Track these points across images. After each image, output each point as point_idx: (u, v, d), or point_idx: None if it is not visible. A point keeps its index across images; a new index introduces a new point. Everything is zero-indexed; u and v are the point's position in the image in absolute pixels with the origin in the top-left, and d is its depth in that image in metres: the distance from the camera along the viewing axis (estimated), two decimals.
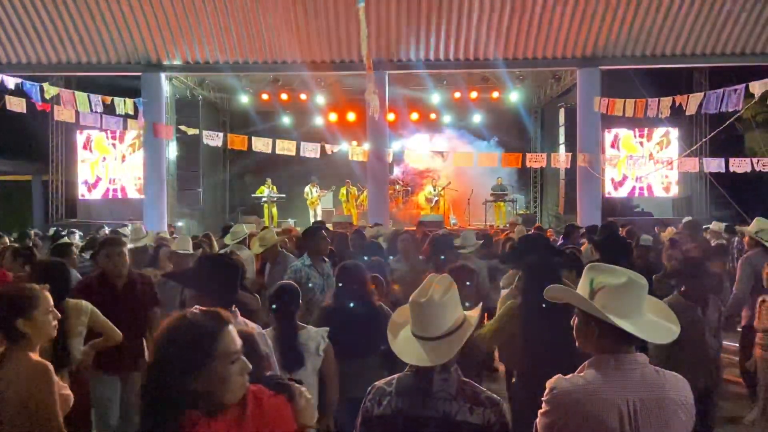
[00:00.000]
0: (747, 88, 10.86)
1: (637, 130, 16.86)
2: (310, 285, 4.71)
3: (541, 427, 1.93)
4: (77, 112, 12.34)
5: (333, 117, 18.19)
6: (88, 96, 12.21)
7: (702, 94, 11.56)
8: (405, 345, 2.07)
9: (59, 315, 2.65)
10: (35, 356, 2.48)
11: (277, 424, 1.67)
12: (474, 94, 16.85)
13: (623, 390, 1.84)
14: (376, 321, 3.46)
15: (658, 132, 16.70)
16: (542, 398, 1.94)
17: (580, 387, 1.87)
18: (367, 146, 14.41)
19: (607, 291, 1.93)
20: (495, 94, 17.10)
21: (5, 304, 2.50)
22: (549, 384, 1.94)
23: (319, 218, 17.08)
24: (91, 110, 12.27)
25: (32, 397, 2.35)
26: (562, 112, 16.86)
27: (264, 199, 16.48)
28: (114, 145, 17.11)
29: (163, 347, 1.52)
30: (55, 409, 2.41)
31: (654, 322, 1.94)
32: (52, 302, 2.61)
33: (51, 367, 2.45)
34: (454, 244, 5.80)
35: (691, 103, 11.57)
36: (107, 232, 9.61)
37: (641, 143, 16.98)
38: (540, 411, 1.94)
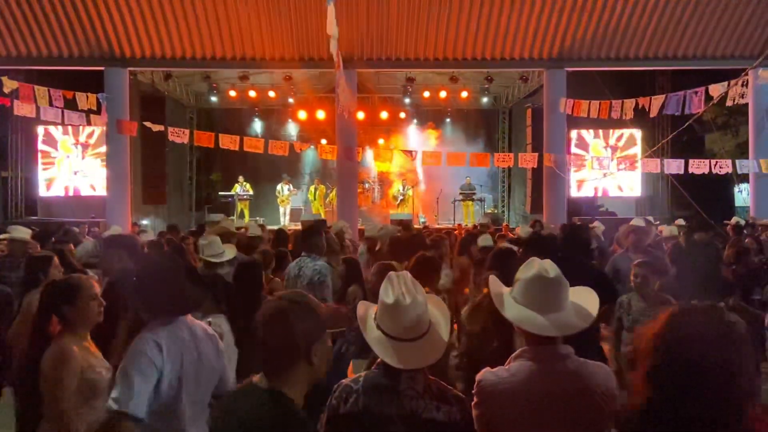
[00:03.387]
0: (707, 90, 11.19)
1: (602, 131, 17.21)
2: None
3: (474, 418, 1.99)
4: (38, 108, 12.00)
5: (302, 115, 18.07)
6: (48, 90, 11.88)
7: (664, 96, 11.86)
8: (381, 346, 2.04)
9: (104, 302, 2.89)
10: (69, 342, 2.75)
11: None
12: (443, 94, 16.93)
13: (545, 381, 1.90)
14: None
15: (623, 133, 17.08)
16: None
17: (503, 379, 1.93)
18: (336, 144, 14.35)
19: (519, 284, 2.04)
20: (464, 94, 17.21)
21: (54, 292, 2.85)
22: (477, 377, 2.01)
23: (287, 217, 17.02)
24: (51, 105, 11.95)
25: (49, 377, 2.67)
26: (529, 113, 17.07)
27: (234, 197, 16.30)
28: (76, 142, 16.72)
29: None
30: (62, 392, 2.64)
31: (560, 316, 1.98)
32: (97, 290, 2.89)
33: (74, 354, 2.69)
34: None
35: (654, 105, 11.87)
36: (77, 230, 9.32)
37: (606, 146, 17.35)
38: (472, 403, 2.00)
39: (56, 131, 16.59)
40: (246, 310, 3.91)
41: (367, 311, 2.18)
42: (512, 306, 2.05)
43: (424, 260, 4.03)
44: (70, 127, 16.17)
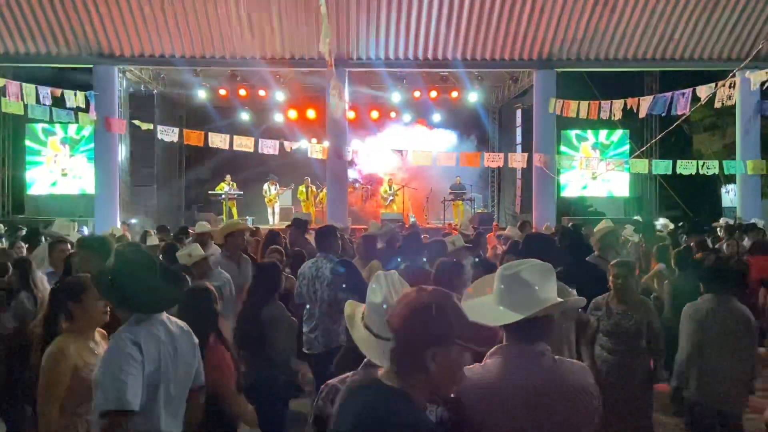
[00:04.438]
0: (694, 92, 11.28)
1: (591, 131, 17.31)
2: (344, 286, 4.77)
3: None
4: (25, 105, 11.92)
5: (292, 114, 18.03)
6: (36, 88, 11.80)
7: (652, 97, 11.94)
8: (367, 345, 2.05)
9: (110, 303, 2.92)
10: (67, 341, 2.79)
11: None
12: (434, 94, 16.96)
13: (519, 378, 1.91)
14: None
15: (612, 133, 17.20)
16: None
17: (477, 375, 1.94)
18: (326, 144, 14.35)
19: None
20: (454, 94, 17.25)
21: (62, 290, 2.98)
22: None
23: (277, 216, 16.98)
24: (39, 102, 11.86)
25: (44, 374, 2.72)
26: (519, 113, 17.13)
27: (222, 196, 16.23)
28: (65, 140, 16.61)
29: None
30: (51, 392, 2.69)
31: (495, 307, 2.00)
32: None
33: (67, 354, 2.72)
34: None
35: (642, 105, 11.95)
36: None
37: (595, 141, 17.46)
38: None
39: (44, 129, 16.46)
40: (257, 310, 3.96)
41: (355, 310, 2.19)
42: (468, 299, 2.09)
43: (448, 267, 3.88)
44: (58, 125, 16.04)
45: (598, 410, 1.94)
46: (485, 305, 2.03)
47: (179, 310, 3.22)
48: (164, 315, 2.52)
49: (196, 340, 2.64)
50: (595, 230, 5.70)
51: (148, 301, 2.44)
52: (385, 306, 2.02)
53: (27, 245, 7.05)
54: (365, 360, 2.07)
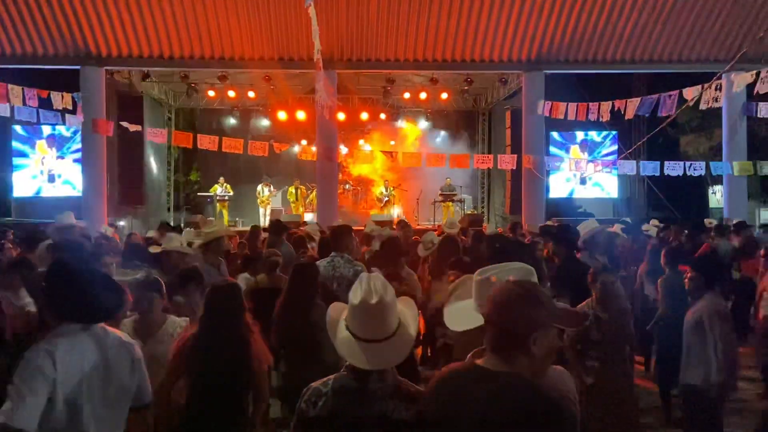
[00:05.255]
0: (681, 93, 11.37)
1: (580, 132, 17.41)
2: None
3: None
4: (12, 107, 11.82)
5: (282, 115, 17.99)
6: (23, 89, 11.70)
7: (639, 99, 12.02)
8: (349, 348, 2.04)
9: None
10: None
11: None
12: (423, 95, 16.98)
13: None
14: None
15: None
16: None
17: (453, 379, 1.92)
18: (316, 145, 14.32)
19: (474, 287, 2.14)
20: (444, 96, 17.28)
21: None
22: (440, 372, 2.01)
23: (268, 218, 16.93)
24: (25, 104, 11.77)
25: None
26: (508, 115, 17.18)
27: (210, 199, 16.17)
28: (52, 142, 16.48)
29: None
30: None
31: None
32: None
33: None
34: None
35: (629, 107, 12.03)
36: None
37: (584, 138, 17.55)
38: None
39: (31, 131, 16.33)
40: (304, 312, 3.91)
41: (340, 313, 2.18)
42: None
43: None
44: (45, 127, 15.91)
45: (577, 417, 1.93)
46: (463, 309, 2.03)
47: (207, 311, 3.18)
48: (100, 326, 2.37)
49: (139, 355, 2.48)
50: (581, 231, 5.63)
51: (77, 310, 2.29)
52: (371, 301, 2.01)
53: (20, 247, 6.95)
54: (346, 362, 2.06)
